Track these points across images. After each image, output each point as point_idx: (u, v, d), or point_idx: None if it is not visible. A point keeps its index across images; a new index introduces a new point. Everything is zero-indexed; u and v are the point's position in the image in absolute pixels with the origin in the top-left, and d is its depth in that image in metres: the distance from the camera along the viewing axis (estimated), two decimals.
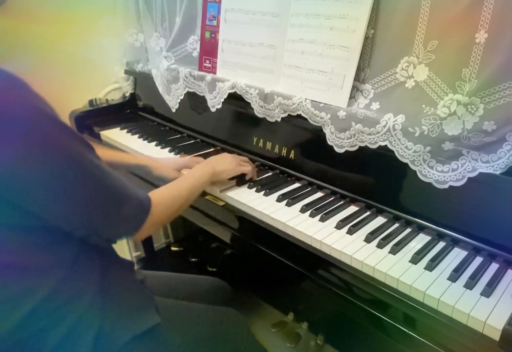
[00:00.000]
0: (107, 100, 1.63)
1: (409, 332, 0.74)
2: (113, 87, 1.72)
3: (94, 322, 0.69)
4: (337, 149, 0.98)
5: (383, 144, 0.89)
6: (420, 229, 0.89)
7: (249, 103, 1.14)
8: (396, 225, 0.92)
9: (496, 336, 0.64)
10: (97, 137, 1.46)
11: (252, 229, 0.98)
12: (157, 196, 0.74)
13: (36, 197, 0.58)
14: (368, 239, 0.85)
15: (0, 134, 0.52)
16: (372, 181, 0.98)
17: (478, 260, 0.81)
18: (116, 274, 0.76)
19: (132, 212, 0.68)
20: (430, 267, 0.77)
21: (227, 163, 1.00)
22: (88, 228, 0.65)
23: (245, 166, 1.04)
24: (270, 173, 1.16)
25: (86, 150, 0.62)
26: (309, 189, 1.07)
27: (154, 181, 1.20)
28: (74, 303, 0.68)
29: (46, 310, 0.65)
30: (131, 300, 0.77)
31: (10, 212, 0.58)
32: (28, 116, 0.54)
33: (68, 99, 1.48)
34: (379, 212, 0.96)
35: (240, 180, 1.08)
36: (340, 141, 0.97)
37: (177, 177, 1.03)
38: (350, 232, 0.88)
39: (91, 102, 1.56)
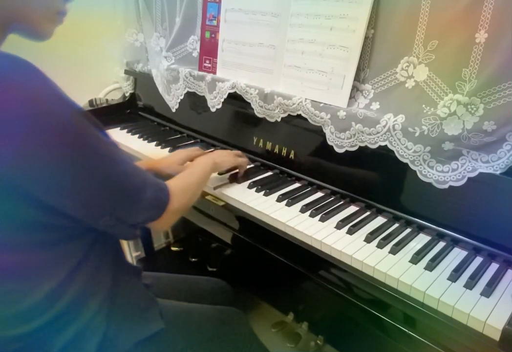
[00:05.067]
0: (107, 100, 1.63)
1: (409, 332, 0.73)
2: (113, 87, 1.71)
3: (99, 328, 0.69)
4: (337, 149, 0.98)
5: (383, 144, 0.89)
6: (420, 229, 0.89)
7: (249, 103, 1.14)
8: (396, 225, 0.92)
9: (496, 336, 0.64)
10: None
11: (252, 229, 0.98)
12: (172, 183, 0.76)
13: (58, 188, 0.57)
14: (368, 239, 0.85)
15: (16, 129, 0.51)
16: (372, 181, 0.97)
17: (478, 260, 0.81)
18: (125, 280, 0.77)
19: (154, 195, 0.69)
20: (430, 267, 0.77)
21: (226, 154, 1.08)
22: (112, 214, 0.64)
23: (242, 158, 1.11)
24: (270, 173, 1.16)
25: (104, 140, 0.64)
26: (309, 189, 1.07)
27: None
28: (82, 309, 0.67)
29: (50, 315, 0.64)
30: (137, 306, 0.78)
31: (25, 208, 0.57)
32: (45, 106, 0.53)
33: None
34: (379, 212, 0.96)
35: (233, 177, 1.11)
36: (340, 141, 0.97)
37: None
38: (350, 232, 0.88)
39: (91, 102, 1.56)
